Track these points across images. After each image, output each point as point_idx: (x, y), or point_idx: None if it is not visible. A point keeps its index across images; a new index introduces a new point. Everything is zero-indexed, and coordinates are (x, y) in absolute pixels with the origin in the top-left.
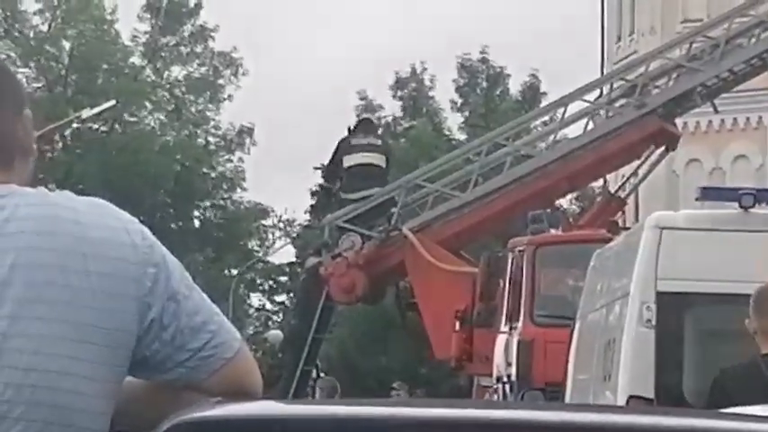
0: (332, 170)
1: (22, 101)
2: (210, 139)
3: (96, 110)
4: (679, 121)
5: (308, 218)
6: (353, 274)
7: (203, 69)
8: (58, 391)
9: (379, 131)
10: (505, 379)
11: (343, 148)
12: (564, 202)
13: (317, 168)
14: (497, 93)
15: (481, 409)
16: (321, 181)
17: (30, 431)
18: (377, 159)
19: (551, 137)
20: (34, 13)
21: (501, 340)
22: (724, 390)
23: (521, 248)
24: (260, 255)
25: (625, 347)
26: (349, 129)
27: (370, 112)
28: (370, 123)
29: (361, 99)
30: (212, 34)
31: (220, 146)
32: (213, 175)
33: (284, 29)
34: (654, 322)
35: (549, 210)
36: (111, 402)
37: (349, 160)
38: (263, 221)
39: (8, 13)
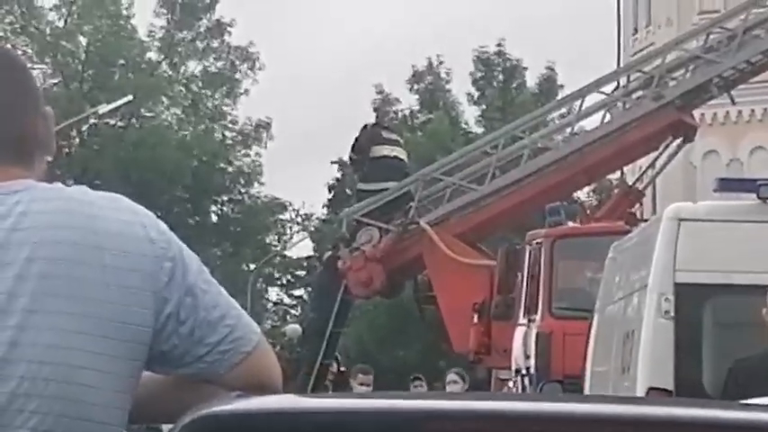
0: (359, 157)
1: (42, 98)
2: (227, 133)
3: (113, 105)
4: (696, 113)
5: (326, 212)
6: (371, 268)
7: (220, 64)
8: (72, 385)
9: (396, 125)
10: (524, 371)
11: (373, 137)
12: (581, 194)
13: (334, 162)
14: (514, 85)
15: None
16: (338, 175)
17: (45, 424)
18: (402, 155)
19: (568, 129)
20: (50, 9)
21: (519, 333)
22: (740, 380)
23: (539, 241)
24: (277, 249)
25: (644, 339)
26: (364, 127)
27: (387, 106)
28: (386, 126)
29: (378, 93)
30: (229, 29)
31: (237, 140)
32: (230, 169)
33: (300, 23)
34: (672, 314)
35: (566, 202)
36: (127, 396)
37: (377, 151)
38: (281, 216)
39: (24, 9)
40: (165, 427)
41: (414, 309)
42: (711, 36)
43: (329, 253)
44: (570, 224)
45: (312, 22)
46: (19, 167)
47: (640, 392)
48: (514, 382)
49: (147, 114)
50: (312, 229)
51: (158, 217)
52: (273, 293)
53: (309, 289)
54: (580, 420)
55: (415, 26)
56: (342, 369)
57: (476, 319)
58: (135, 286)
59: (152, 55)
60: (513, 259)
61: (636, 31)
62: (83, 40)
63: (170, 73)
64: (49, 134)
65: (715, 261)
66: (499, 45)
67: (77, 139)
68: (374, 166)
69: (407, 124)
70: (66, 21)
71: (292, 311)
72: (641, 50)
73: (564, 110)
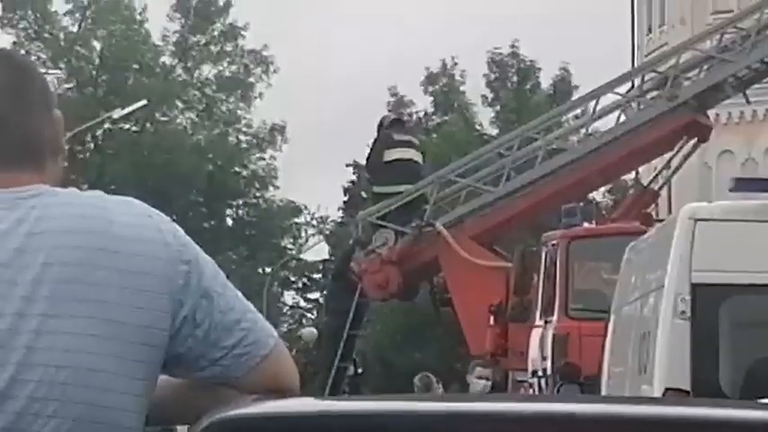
0: (373, 164)
1: (50, 100)
2: (242, 137)
3: (127, 110)
4: (711, 113)
5: (341, 215)
6: (387, 271)
7: (234, 68)
8: (89, 388)
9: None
10: (541, 373)
11: (384, 141)
12: (597, 195)
13: (349, 165)
14: (528, 87)
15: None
16: (353, 178)
17: (62, 428)
18: (416, 156)
19: (583, 130)
20: (64, 14)
21: (536, 334)
22: (758, 379)
23: (554, 242)
24: (293, 252)
25: (660, 340)
26: (380, 124)
27: (401, 108)
28: (403, 123)
29: (393, 95)
30: (242, 32)
31: (252, 144)
32: (245, 173)
33: (314, 26)
34: (689, 314)
35: (582, 203)
36: (144, 399)
37: (390, 154)
38: (296, 219)
39: (38, 15)
40: (182, 429)
41: (430, 311)
42: (725, 36)
43: (345, 256)
44: (586, 225)
45: (326, 25)
46: (31, 172)
47: (657, 393)
48: (531, 384)
49: (162, 119)
50: (327, 232)
51: (174, 221)
52: (289, 297)
53: (325, 292)
54: (598, 421)
55: (429, 28)
56: (359, 371)
57: (492, 321)
58: (151, 290)
59: (166, 59)
60: (528, 261)
61: (650, 30)
62: (97, 45)
63: (184, 77)
64: (58, 136)
65: (731, 261)
66: (513, 46)
67: (92, 144)
68: (388, 170)
69: (422, 126)
70: (80, 26)
71: (308, 315)
72: (655, 50)
73: (578, 111)
